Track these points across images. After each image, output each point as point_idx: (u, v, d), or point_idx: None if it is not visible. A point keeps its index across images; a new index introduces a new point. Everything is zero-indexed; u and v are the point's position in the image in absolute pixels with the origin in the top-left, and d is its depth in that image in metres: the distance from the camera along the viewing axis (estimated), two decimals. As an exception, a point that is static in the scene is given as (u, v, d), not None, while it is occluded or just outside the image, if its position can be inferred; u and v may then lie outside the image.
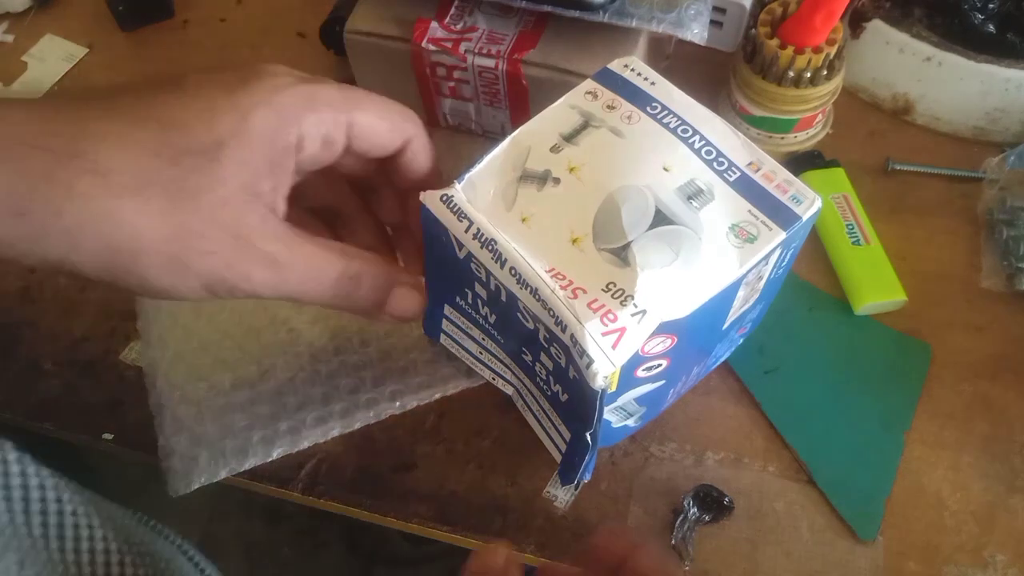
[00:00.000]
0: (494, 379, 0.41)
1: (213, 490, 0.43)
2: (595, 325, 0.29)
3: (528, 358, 0.35)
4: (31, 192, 0.26)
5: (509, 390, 0.40)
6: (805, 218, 0.32)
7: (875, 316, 0.47)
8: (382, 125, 0.33)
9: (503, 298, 0.32)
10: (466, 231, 0.32)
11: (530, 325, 0.32)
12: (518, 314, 0.32)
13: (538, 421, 0.40)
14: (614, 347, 0.29)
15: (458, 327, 0.39)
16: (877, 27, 0.53)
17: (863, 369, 0.45)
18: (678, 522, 0.41)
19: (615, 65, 0.36)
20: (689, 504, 0.41)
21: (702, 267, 0.31)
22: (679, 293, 0.31)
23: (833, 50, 0.47)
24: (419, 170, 0.35)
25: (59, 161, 0.26)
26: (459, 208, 0.32)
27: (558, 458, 0.38)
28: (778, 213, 0.32)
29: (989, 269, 0.48)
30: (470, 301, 0.36)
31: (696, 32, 0.45)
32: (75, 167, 0.26)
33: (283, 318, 0.48)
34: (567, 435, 0.36)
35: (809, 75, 0.47)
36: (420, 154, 0.35)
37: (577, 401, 0.33)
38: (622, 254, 0.31)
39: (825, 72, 0.48)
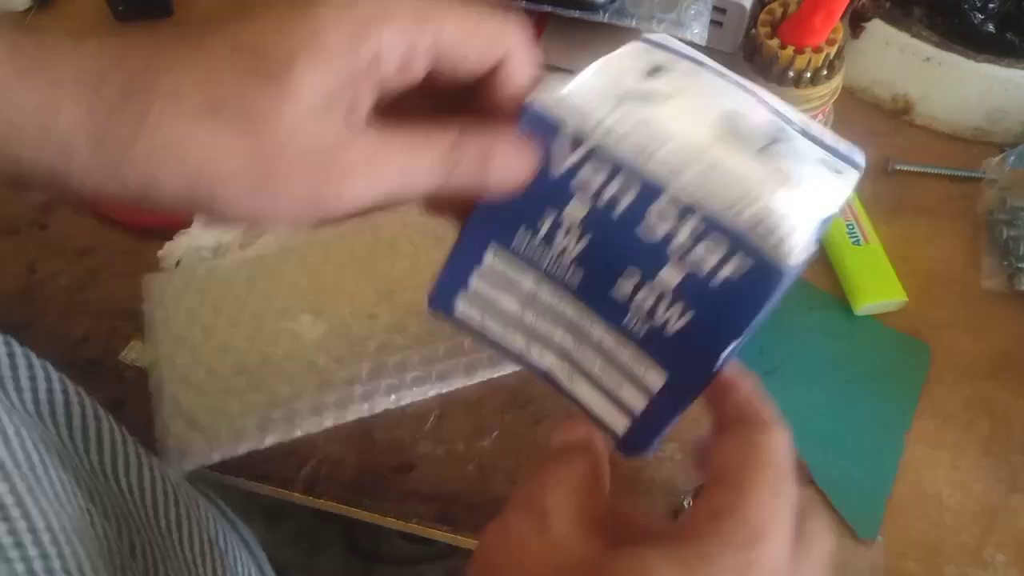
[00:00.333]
0: (525, 353, 0.35)
1: (213, 490, 0.43)
2: (783, 200, 0.28)
3: (626, 289, 0.32)
4: (106, 122, 0.26)
5: (546, 361, 0.35)
6: (863, 165, 0.33)
7: (875, 316, 0.47)
8: (472, 42, 0.29)
9: (623, 206, 0.30)
10: (601, 121, 0.29)
11: (663, 230, 0.30)
12: (639, 227, 0.30)
13: (595, 387, 0.34)
14: (799, 229, 0.28)
15: (497, 280, 0.34)
16: (877, 27, 0.53)
17: (863, 369, 0.45)
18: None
19: (652, 36, 0.35)
20: (689, 504, 0.41)
21: (826, 178, 0.31)
22: (826, 191, 0.30)
23: (833, 50, 0.47)
24: (513, 93, 0.31)
25: (130, 90, 0.26)
26: (583, 102, 0.30)
27: (620, 427, 0.33)
28: (844, 159, 0.32)
29: (989, 269, 0.48)
30: (544, 231, 0.32)
31: (696, 32, 0.45)
32: (146, 95, 0.26)
33: (285, 308, 0.48)
34: (656, 384, 0.32)
35: (809, 75, 0.47)
36: (518, 73, 0.31)
37: (708, 318, 0.30)
38: (769, 150, 0.30)
39: (825, 72, 0.48)
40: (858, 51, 0.54)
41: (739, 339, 0.30)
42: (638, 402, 0.32)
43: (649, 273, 0.31)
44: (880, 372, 0.45)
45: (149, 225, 0.52)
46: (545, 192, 0.32)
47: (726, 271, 0.29)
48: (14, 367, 0.34)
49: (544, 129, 0.31)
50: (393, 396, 0.45)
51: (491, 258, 0.34)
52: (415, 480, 0.43)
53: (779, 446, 0.26)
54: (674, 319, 0.31)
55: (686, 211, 0.29)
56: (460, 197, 0.31)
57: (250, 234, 0.52)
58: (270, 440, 0.44)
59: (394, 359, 0.46)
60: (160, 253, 0.50)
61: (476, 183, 0.30)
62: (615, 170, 0.30)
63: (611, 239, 0.31)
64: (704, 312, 0.31)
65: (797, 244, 0.28)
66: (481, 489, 0.43)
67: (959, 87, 0.52)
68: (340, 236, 0.51)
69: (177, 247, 0.50)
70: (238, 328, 0.48)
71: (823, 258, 0.49)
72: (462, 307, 0.35)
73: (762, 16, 0.48)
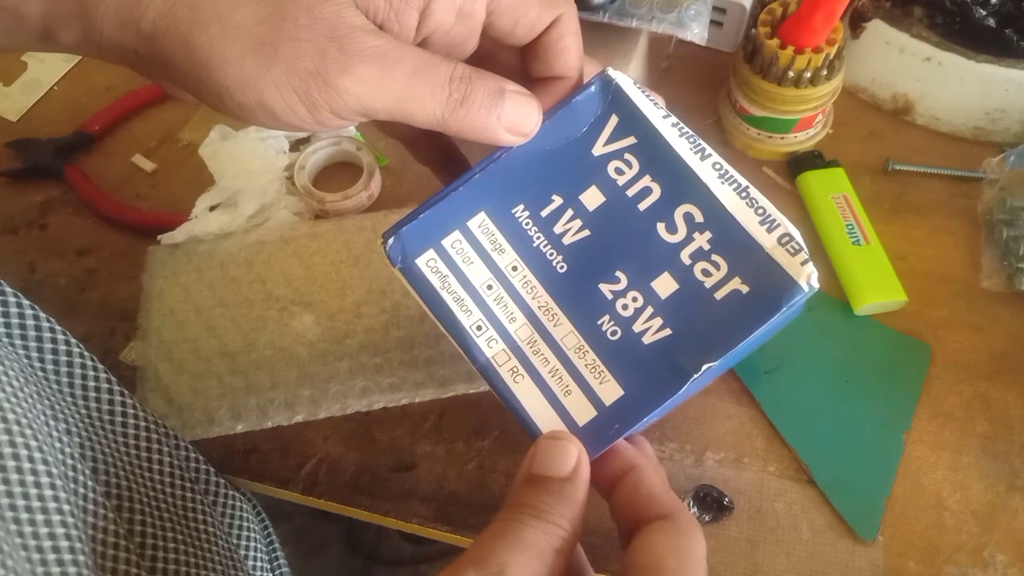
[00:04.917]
0: (471, 333, 0.32)
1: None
2: (799, 234, 0.29)
3: (614, 287, 0.31)
4: None
5: (492, 350, 0.32)
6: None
7: (875, 316, 0.47)
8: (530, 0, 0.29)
9: (648, 203, 0.30)
10: (665, 117, 0.31)
11: (678, 236, 0.30)
12: (657, 225, 0.30)
13: (539, 389, 0.32)
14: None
15: (475, 248, 0.32)
16: (877, 27, 0.53)
17: (863, 369, 0.45)
18: (678, 522, 0.41)
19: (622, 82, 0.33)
20: (689, 504, 0.41)
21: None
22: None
23: (833, 50, 0.47)
24: (564, 61, 0.30)
25: None
26: (639, 101, 0.31)
27: (547, 427, 0.31)
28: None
29: (989, 269, 0.48)
30: (548, 212, 0.32)
31: (696, 32, 0.45)
32: None
33: (278, 295, 0.49)
34: (610, 399, 0.30)
35: (809, 75, 0.47)
36: (566, 38, 0.30)
37: (697, 332, 0.30)
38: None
39: (825, 72, 0.48)
40: (858, 51, 0.54)
41: (720, 360, 0.29)
42: (583, 414, 0.31)
43: (646, 276, 0.31)
44: (880, 372, 0.45)
45: (149, 225, 0.52)
46: (565, 172, 0.31)
47: (735, 285, 0.29)
48: None
49: (591, 109, 0.31)
50: (366, 400, 0.45)
51: (478, 224, 0.32)
52: (415, 480, 0.43)
53: (703, 544, 0.26)
54: (654, 329, 0.30)
55: (716, 218, 0.29)
56: (468, 138, 0.29)
57: (253, 219, 0.51)
58: (241, 428, 0.44)
59: (373, 361, 0.46)
60: (161, 238, 0.50)
61: (483, 123, 0.29)
62: (660, 165, 0.30)
63: (622, 233, 0.31)
64: (693, 326, 0.30)
65: (815, 271, 0.28)
66: (481, 489, 0.43)
67: (959, 87, 0.52)
68: (340, 230, 0.51)
69: (180, 234, 0.50)
70: (228, 310, 0.48)
71: (823, 258, 0.49)
72: (424, 262, 0.32)
73: (762, 16, 0.48)
